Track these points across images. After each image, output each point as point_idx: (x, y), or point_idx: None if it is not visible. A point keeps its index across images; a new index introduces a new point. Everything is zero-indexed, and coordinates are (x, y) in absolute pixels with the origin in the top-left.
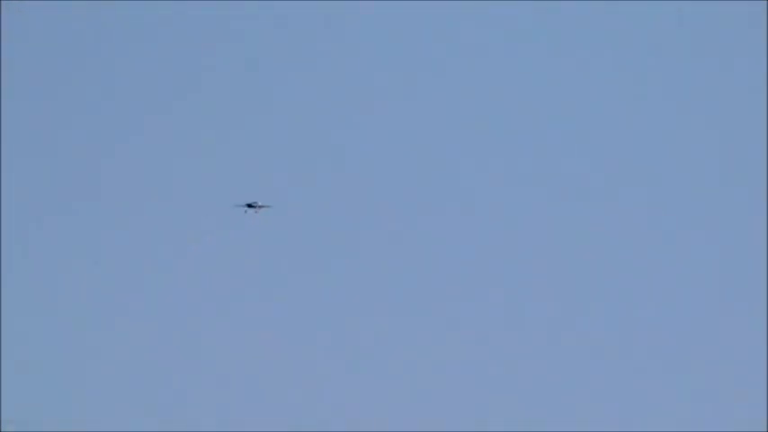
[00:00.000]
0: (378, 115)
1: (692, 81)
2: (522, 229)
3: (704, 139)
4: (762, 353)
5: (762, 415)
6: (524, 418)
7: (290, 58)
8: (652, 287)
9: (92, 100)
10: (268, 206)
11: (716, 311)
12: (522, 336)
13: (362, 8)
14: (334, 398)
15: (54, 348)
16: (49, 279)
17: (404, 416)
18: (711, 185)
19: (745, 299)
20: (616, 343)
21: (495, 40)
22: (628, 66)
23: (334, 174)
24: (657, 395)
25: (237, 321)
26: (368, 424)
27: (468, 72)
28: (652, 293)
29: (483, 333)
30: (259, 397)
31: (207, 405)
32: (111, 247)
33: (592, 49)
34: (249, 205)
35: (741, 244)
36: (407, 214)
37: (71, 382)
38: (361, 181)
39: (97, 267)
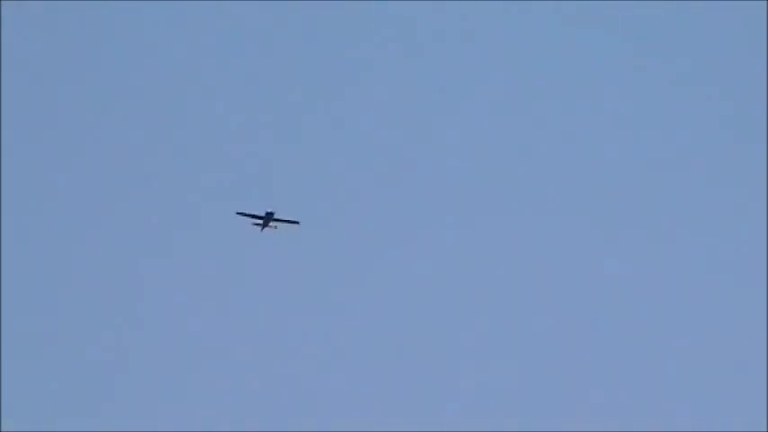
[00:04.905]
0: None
1: (691, 81)
2: (522, 230)
3: (704, 139)
4: (762, 353)
5: (762, 415)
6: (524, 419)
7: (289, 57)
8: (652, 286)
9: (92, 100)
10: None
11: (716, 311)
12: (521, 336)
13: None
14: (336, 398)
15: (54, 348)
16: (50, 278)
17: (406, 415)
18: (712, 185)
19: (745, 299)
20: (616, 343)
21: (496, 39)
22: (627, 66)
23: (334, 170)
24: (658, 395)
25: (235, 323)
26: (371, 424)
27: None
28: (652, 293)
29: (484, 335)
30: (261, 396)
31: (207, 405)
32: (110, 248)
33: (591, 50)
34: (267, 218)
35: (741, 244)
36: (407, 213)
37: (71, 381)
38: (364, 178)
39: (97, 267)
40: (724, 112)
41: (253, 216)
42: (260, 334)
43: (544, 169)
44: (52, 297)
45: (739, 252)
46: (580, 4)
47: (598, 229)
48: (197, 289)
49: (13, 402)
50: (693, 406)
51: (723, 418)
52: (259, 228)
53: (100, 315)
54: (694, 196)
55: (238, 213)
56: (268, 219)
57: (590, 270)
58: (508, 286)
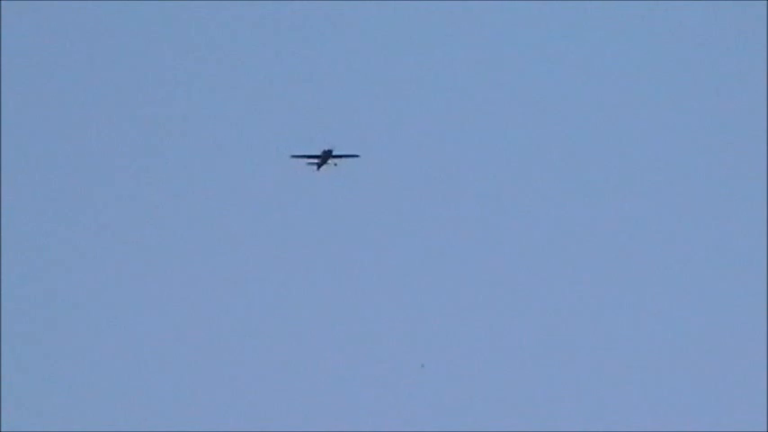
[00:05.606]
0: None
1: (692, 81)
2: (523, 230)
3: (704, 139)
4: (762, 353)
5: (762, 415)
6: (524, 419)
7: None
8: (652, 286)
9: (92, 100)
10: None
11: (716, 311)
12: (521, 338)
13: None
14: (342, 396)
15: (54, 348)
16: (50, 278)
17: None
18: (711, 186)
19: (746, 299)
20: (616, 343)
21: (499, 39)
22: (627, 66)
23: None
24: (658, 395)
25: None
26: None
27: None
28: (652, 292)
29: (487, 334)
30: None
31: (208, 405)
32: (110, 246)
33: (591, 50)
34: (325, 155)
35: (741, 244)
36: (413, 214)
37: (71, 381)
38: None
39: (97, 265)
40: (724, 113)
41: (309, 157)
42: (324, 281)
43: (544, 163)
44: (53, 296)
45: (739, 252)
46: (579, 4)
47: (598, 228)
48: (200, 287)
49: (13, 402)
50: (693, 406)
51: (723, 418)
52: (315, 167)
53: (101, 314)
54: (694, 196)
55: (294, 156)
56: (326, 156)
57: (590, 270)
58: (508, 285)
